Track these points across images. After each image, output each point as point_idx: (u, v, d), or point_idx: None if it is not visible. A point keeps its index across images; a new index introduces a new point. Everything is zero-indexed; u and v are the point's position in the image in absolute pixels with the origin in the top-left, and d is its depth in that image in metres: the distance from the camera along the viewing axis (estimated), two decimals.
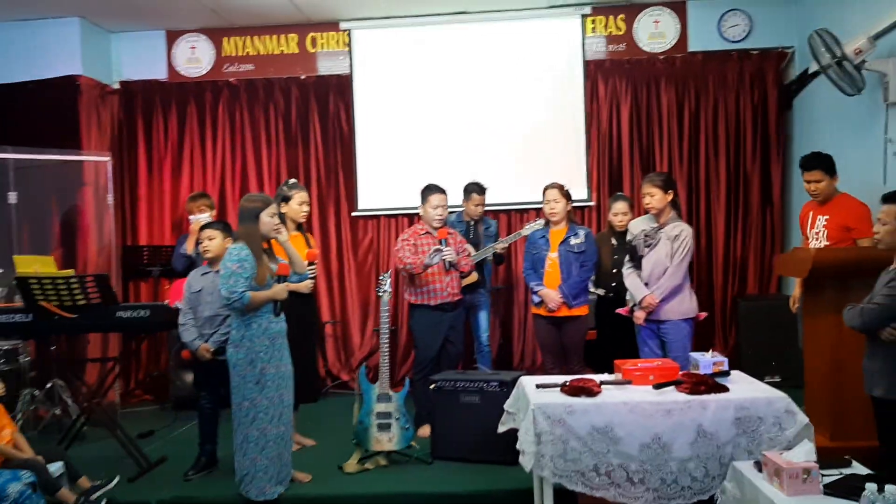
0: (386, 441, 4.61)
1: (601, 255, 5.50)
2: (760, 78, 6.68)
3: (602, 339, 5.62)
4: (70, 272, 4.68)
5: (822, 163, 4.73)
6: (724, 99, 6.72)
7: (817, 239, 4.75)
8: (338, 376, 6.96)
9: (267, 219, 4.11)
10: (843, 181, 5.18)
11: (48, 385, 5.75)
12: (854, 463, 3.22)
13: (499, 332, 6.90)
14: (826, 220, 4.72)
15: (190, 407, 5.60)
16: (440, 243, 5.20)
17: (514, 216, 6.90)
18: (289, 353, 4.26)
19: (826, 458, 3.21)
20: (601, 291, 5.55)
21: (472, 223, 6.01)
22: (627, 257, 4.99)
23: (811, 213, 4.87)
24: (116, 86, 7.14)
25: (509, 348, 6.95)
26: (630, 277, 4.91)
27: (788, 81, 6.68)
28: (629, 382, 3.73)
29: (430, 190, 5.26)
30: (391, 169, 6.96)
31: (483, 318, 6.07)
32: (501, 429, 4.04)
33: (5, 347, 5.49)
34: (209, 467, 4.66)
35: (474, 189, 5.92)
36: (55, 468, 4.04)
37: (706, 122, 6.75)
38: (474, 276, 5.80)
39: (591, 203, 6.76)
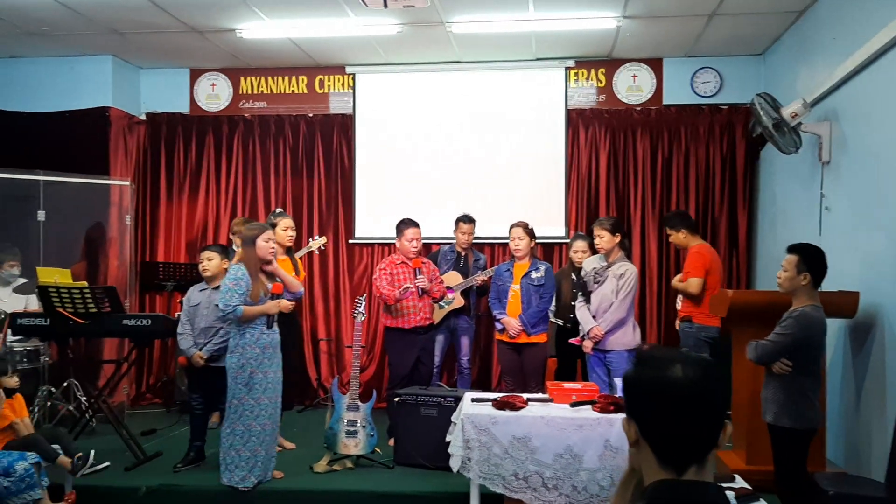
0: (353, 446, 5.16)
1: (562, 288, 6.05)
2: (729, 131, 7.21)
3: (561, 365, 6.15)
4: (83, 283, 5.35)
5: (665, 221, 6.00)
6: (696, 149, 7.25)
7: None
8: (330, 389, 7.52)
9: (262, 243, 4.77)
10: (787, 231, 5.73)
11: (64, 384, 6.42)
12: (738, 478, 3.72)
13: (479, 356, 7.41)
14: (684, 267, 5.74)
15: None
16: (415, 272, 5.77)
17: (498, 249, 7.46)
18: (280, 362, 4.86)
19: (720, 472, 3.73)
20: (560, 321, 6.06)
21: (463, 254, 6.57)
22: (580, 292, 5.53)
23: None
24: (143, 117, 7.90)
25: (489, 371, 7.47)
26: (580, 310, 5.44)
27: (756, 135, 7.17)
28: (551, 400, 4.26)
29: (405, 224, 5.83)
30: (387, 201, 7.57)
31: (465, 342, 6.55)
32: (449, 438, 4.57)
33: (29, 348, 6.16)
34: (197, 461, 5.23)
35: (462, 219, 6.51)
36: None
37: (678, 170, 7.27)
38: (461, 301, 6.36)
39: (569, 240, 7.28)
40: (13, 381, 4.71)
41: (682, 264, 5.99)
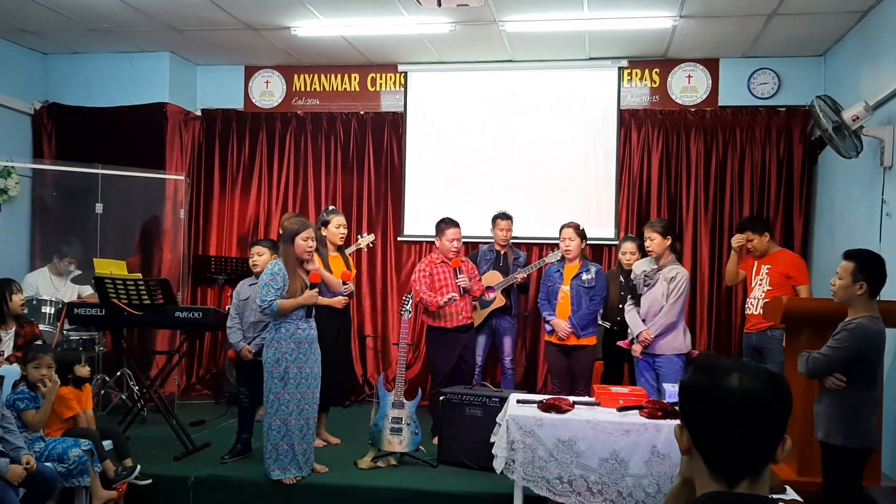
0: (397, 443, 5.18)
1: (609, 290, 5.98)
2: (787, 134, 7.04)
3: (608, 368, 6.08)
4: (138, 276, 5.46)
5: (748, 225, 5.78)
6: (751, 152, 7.10)
7: (761, 285, 5.57)
8: (375, 385, 7.57)
9: (300, 241, 4.75)
10: (845, 237, 5.59)
11: (118, 373, 6.56)
12: (789, 490, 3.62)
13: (524, 356, 7.37)
14: (768, 269, 5.58)
15: None
16: (455, 272, 5.75)
17: (546, 250, 7.36)
18: (318, 357, 4.87)
19: (771, 483, 3.63)
20: (607, 324, 6.00)
21: (503, 252, 6.54)
22: (629, 295, 5.46)
23: (756, 264, 5.72)
24: (198, 113, 8.04)
25: (534, 372, 7.43)
26: (630, 313, 5.38)
27: (815, 138, 6.99)
28: (598, 404, 4.22)
29: (445, 223, 5.82)
30: (436, 199, 7.56)
31: (507, 343, 6.49)
32: (493, 439, 4.55)
33: (84, 337, 6.32)
34: (244, 453, 5.29)
35: (499, 215, 6.47)
36: (105, 444, 4.70)
37: (732, 173, 7.13)
38: (502, 300, 6.32)
39: (618, 242, 7.18)
40: (85, 370, 4.81)
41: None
